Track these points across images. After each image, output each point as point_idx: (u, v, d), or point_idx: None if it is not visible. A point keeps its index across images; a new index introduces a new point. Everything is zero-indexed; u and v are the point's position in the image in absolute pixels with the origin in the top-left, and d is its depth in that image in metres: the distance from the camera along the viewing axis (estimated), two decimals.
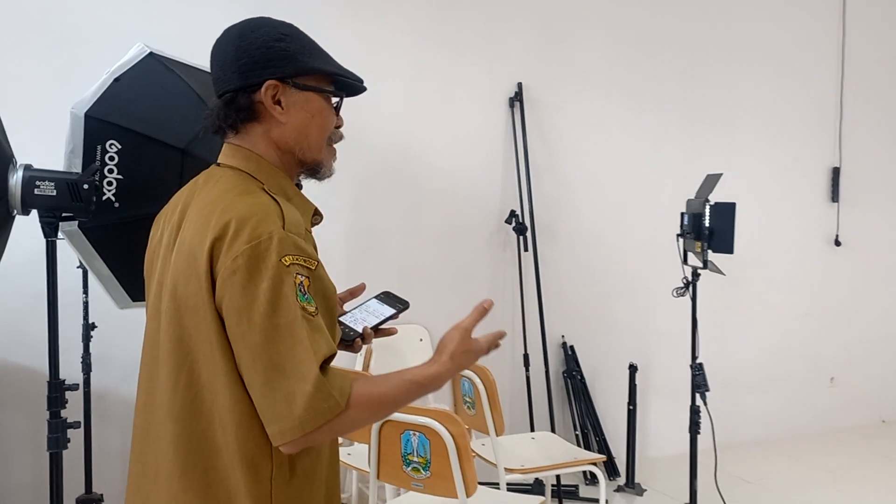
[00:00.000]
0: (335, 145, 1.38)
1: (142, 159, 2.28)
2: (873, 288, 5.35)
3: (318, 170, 1.34)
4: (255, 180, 1.25)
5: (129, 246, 2.22)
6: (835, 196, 5.12)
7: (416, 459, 2.35)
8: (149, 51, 2.32)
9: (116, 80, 2.31)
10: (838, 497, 4.01)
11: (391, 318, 1.40)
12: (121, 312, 2.59)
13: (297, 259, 1.14)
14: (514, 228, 4.05)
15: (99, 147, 2.24)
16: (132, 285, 2.35)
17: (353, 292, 1.53)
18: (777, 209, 4.88)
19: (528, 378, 4.07)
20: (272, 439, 1.12)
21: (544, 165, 4.24)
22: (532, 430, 4.01)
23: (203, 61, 1.81)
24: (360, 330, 1.37)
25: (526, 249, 4.09)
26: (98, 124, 2.23)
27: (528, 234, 4.07)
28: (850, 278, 5.24)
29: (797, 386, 5.10)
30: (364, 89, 1.36)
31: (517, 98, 4.12)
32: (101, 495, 2.98)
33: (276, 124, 1.27)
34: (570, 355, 4.26)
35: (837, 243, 5.14)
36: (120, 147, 2.26)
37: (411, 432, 2.33)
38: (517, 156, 4.13)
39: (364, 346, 1.39)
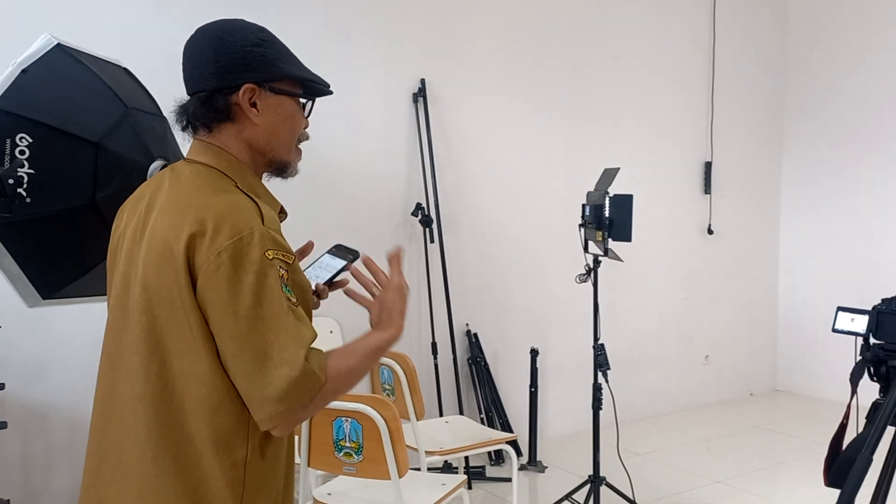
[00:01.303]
0: (301, 146, 1.44)
1: (53, 153, 2.21)
2: (741, 273, 5.86)
3: (285, 169, 1.41)
4: (228, 178, 1.30)
5: (41, 242, 2.16)
6: (707, 188, 5.57)
7: (348, 445, 2.42)
8: (56, 42, 2.26)
9: (24, 71, 2.23)
10: (714, 464, 4.40)
11: (342, 270, 1.47)
12: (21, 313, 2.50)
13: (277, 254, 1.20)
14: (420, 221, 4.17)
15: (8, 141, 2.16)
16: (43, 283, 2.29)
17: (303, 251, 1.57)
18: (656, 200, 5.26)
19: (436, 365, 4.21)
20: (261, 424, 1.18)
21: (447, 159, 4.38)
22: (441, 415, 4.15)
23: (101, 53, 1.82)
24: (313, 287, 1.43)
25: (432, 241, 4.22)
26: (6, 117, 2.15)
27: (434, 226, 4.20)
28: (722, 264, 5.72)
29: (676, 364, 5.52)
30: (331, 92, 1.43)
31: (420, 94, 4.23)
32: (8, 500, 2.85)
33: (250, 125, 1.32)
34: (474, 342, 4.43)
35: (710, 232, 5.60)
36: (31, 141, 2.18)
37: (343, 419, 2.41)
38: (421, 150, 4.25)
39: (320, 302, 1.46)
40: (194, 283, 1.18)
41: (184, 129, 1.36)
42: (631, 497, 3.50)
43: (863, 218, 5.54)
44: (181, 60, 1.35)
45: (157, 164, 1.85)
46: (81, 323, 3.24)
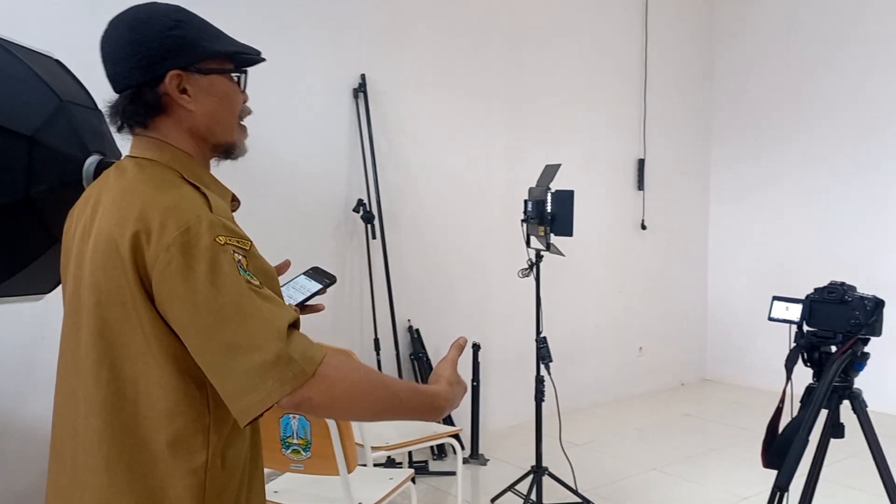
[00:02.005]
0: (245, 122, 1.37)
1: None
2: (672, 267, 6.05)
3: (232, 150, 1.34)
4: (172, 171, 1.23)
5: None
6: (640, 185, 5.73)
7: (295, 442, 2.40)
8: None
9: None
10: (648, 451, 4.54)
11: (318, 293, 1.43)
12: None
13: (230, 239, 1.14)
14: (361, 217, 4.15)
15: None
16: None
17: (279, 270, 1.49)
18: (592, 197, 5.37)
19: (378, 362, 4.20)
20: (238, 418, 1.10)
21: (389, 155, 4.37)
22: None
23: (33, 44, 1.76)
24: None
25: (374, 237, 4.20)
26: None
27: (376, 222, 4.19)
28: (654, 258, 5.89)
29: (612, 356, 5.65)
30: (263, 59, 1.36)
31: (361, 89, 4.21)
32: None
33: (186, 113, 1.25)
34: (416, 338, 4.43)
35: (643, 227, 5.76)
36: None
37: (290, 416, 2.38)
38: (363, 146, 4.23)
39: None
40: (145, 282, 1.13)
41: (119, 129, 1.29)
42: (573, 486, 3.57)
43: (785, 213, 5.79)
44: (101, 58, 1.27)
45: (93, 158, 1.78)
46: (6, 324, 3.10)
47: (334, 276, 1.45)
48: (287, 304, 1.36)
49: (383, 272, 4.24)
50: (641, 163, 5.73)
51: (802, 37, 5.65)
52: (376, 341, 4.19)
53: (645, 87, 5.71)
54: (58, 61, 2.09)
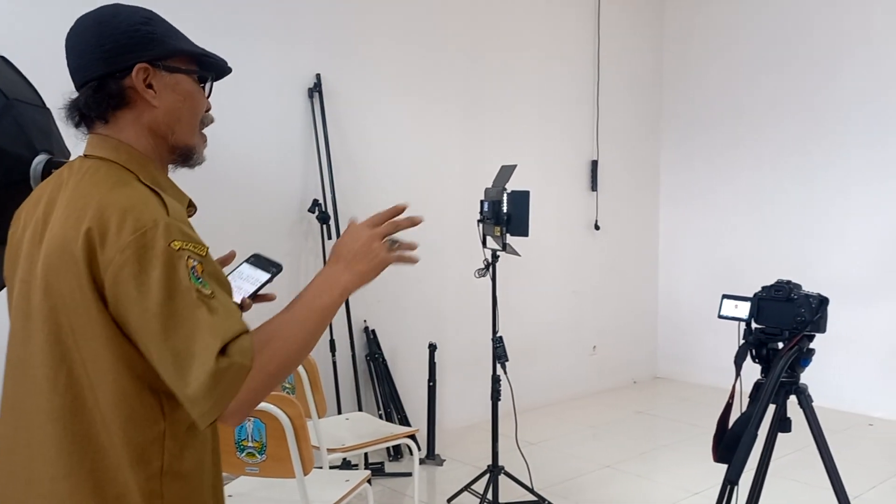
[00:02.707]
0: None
1: None
2: (625, 267, 6.15)
3: (190, 156, 1.32)
4: (128, 171, 1.21)
5: None
6: (594, 186, 5.81)
7: (250, 444, 2.37)
8: None
9: None
10: (601, 449, 4.60)
11: (267, 282, 1.41)
12: None
13: (186, 244, 1.13)
14: (317, 217, 4.12)
15: None
16: None
17: (224, 261, 1.50)
18: (547, 197, 5.42)
19: (334, 363, 4.17)
20: (198, 424, 1.11)
21: (344, 155, 4.34)
22: (340, 412, 4.11)
23: None
24: (238, 301, 1.35)
25: (329, 238, 4.17)
26: None
27: (332, 222, 4.16)
28: (607, 258, 5.97)
29: (566, 355, 5.72)
30: (230, 70, 1.37)
31: (316, 89, 4.18)
32: None
33: (149, 109, 1.24)
34: (372, 339, 4.42)
35: (597, 227, 5.84)
36: None
37: (245, 419, 2.35)
38: (318, 146, 4.20)
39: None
40: (98, 284, 1.11)
41: (77, 125, 1.26)
42: (529, 485, 3.60)
43: (733, 214, 5.94)
44: (65, 52, 1.26)
45: (41, 157, 1.73)
46: None
47: (279, 264, 1.42)
48: (239, 296, 1.36)
49: None
50: (595, 164, 5.81)
51: (750, 44, 5.80)
52: (332, 342, 4.16)
53: (598, 91, 5.79)
54: (3, 58, 2.03)
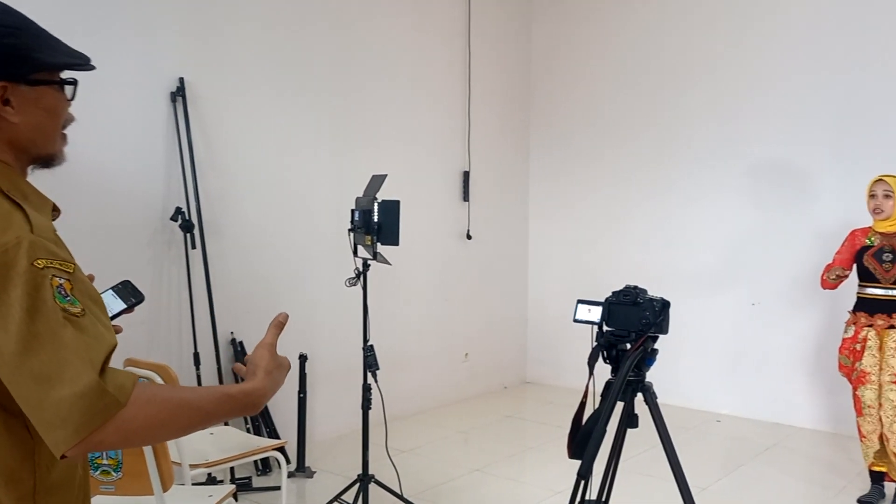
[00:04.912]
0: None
1: None
2: (496, 275, 6.32)
3: (52, 161, 1.28)
4: None
5: None
6: (466, 196, 5.94)
7: (105, 462, 2.27)
8: None
9: None
10: (471, 453, 4.71)
11: (123, 312, 1.37)
12: None
13: (51, 262, 1.08)
14: (180, 226, 3.98)
15: None
16: None
17: None
18: (419, 207, 5.49)
19: (198, 376, 4.04)
20: (53, 450, 1.05)
21: (209, 162, 4.23)
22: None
23: None
24: None
25: (193, 247, 4.04)
26: None
27: (196, 231, 4.03)
28: (479, 267, 6.12)
29: (437, 362, 5.80)
30: (93, 67, 1.32)
31: (179, 93, 4.05)
32: None
33: (7, 125, 1.18)
34: (239, 351, 4.31)
35: (468, 237, 5.97)
36: None
37: None
38: (181, 152, 4.06)
39: None
40: None
41: None
42: (398, 492, 3.63)
43: (594, 223, 6.24)
44: None
45: None
46: None
47: (142, 295, 1.38)
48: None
49: (204, 283, 4.09)
50: (466, 175, 5.95)
51: (611, 62, 6.13)
52: (196, 356, 4.03)
53: (469, 104, 5.94)
54: None
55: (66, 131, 1.31)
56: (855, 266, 3.88)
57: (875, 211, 3.76)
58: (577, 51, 6.33)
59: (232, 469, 3.87)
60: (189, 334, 4.06)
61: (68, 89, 1.28)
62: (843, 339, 3.90)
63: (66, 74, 1.28)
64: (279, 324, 1.31)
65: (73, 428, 1.03)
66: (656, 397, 2.29)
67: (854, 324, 3.85)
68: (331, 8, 4.90)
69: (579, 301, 2.41)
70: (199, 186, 4.08)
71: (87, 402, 1.03)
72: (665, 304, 2.25)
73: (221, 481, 3.73)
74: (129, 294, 1.39)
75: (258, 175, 4.49)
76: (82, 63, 1.28)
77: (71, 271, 1.12)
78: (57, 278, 1.08)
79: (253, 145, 4.46)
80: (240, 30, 4.38)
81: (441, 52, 5.74)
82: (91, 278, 1.48)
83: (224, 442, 3.29)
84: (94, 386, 1.04)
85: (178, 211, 3.98)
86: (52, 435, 1.04)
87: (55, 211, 1.29)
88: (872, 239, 3.81)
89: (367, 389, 3.47)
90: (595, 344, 2.31)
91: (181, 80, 4.06)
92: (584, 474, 2.04)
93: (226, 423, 3.94)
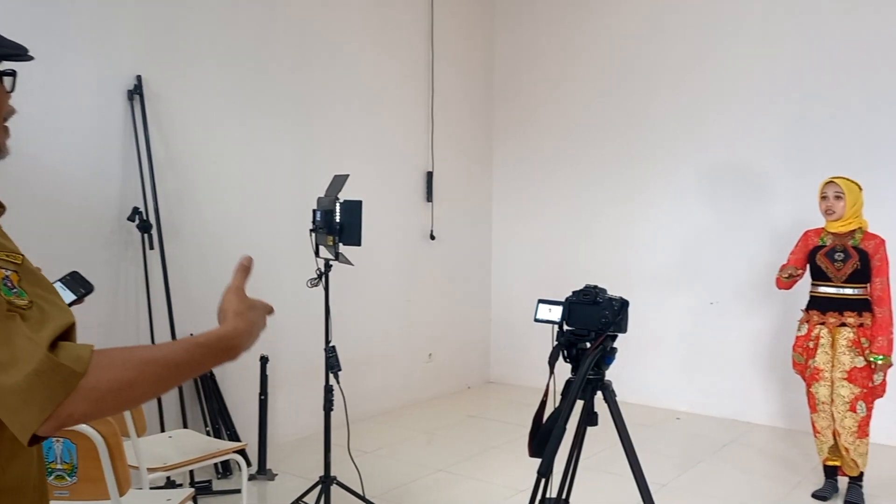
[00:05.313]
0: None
1: None
2: (459, 275, 6.33)
3: None
4: None
5: None
6: (429, 196, 5.94)
7: (59, 467, 2.22)
8: None
9: None
10: (435, 454, 4.71)
11: (73, 304, 1.35)
12: None
13: None
14: (137, 226, 3.92)
15: None
16: None
17: None
18: (383, 208, 5.48)
19: None
20: (22, 436, 1.03)
21: (168, 161, 4.17)
22: (163, 430, 3.93)
23: None
24: None
25: (151, 248, 3.98)
26: None
27: (154, 231, 3.97)
28: (442, 267, 6.13)
29: (401, 363, 5.79)
30: (31, 58, 1.30)
31: (137, 91, 3.98)
32: None
33: None
34: None
35: (432, 237, 5.98)
36: None
37: (53, 439, 2.20)
38: (139, 151, 4.00)
39: None
40: None
41: None
42: (361, 493, 3.61)
43: (557, 225, 6.30)
44: None
45: None
46: None
47: (91, 285, 1.36)
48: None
49: (162, 284, 4.03)
50: (430, 175, 5.95)
51: (574, 66, 6.19)
52: None
53: (432, 105, 5.95)
54: None
55: (7, 124, 1.28)
56: (808, 265, 3.97)
57: (827, 212, 3.86)
58: (540, 54, 6.38)
59: (191, 472, 3.82)
60: (147, 336, 3.99)
61: (7, 81, 1.25)
62: (797, 337, 3.99)
63: (6, 66, 1.25)
64: (244, 267, 1.27)
65: (38, 406, 1.01)
66: (615, 395, 2.32)
67: (807, 322, 3.94)
68: (293, 8, 4.87)
69: (540, 301, 2.43)
70: (157, 186, 4.02)
71: (45, 378, 1.01)
72: (624, 304, 2.28)
73: (181, 485, 3.68)
74: (79, 285, 1.37)
75: (219, 175, 4.44)
76: (19, 53, 1.25)
77: (19, 262, 1.10)
78: (3, 270, 1.06)
79: (213, 145, 4.41)
80: (200, 28, 4.32)
81: (404, 53, 5.73)
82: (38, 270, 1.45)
83: (183, 444, 3.25)
84: (47, 361, 1.01)
85: (136, 211, 3.92)
86: (18, 419, 1.02)
87: (0, 207, 1.26)
88: (825, 239, 3.91)
89: (328, 391, 3.45)
90: (555, 343, 2.33)
91: (139, 77, 3.99)
92: (544, 472, 2.05)
93: (185, 426, 3.90)
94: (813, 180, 4.35)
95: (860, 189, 3.86)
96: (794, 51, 5.20)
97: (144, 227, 3.91)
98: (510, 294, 6.56)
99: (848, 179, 3.85)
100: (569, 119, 6.21)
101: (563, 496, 2.47)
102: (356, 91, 5.32)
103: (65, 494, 2.22)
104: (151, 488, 2.89)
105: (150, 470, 2.88)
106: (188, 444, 3.26)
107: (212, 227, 4.40)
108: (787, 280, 4.00)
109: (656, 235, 5.80)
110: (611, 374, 2.41)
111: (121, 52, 3.94)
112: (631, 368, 4.30)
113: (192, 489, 2.76)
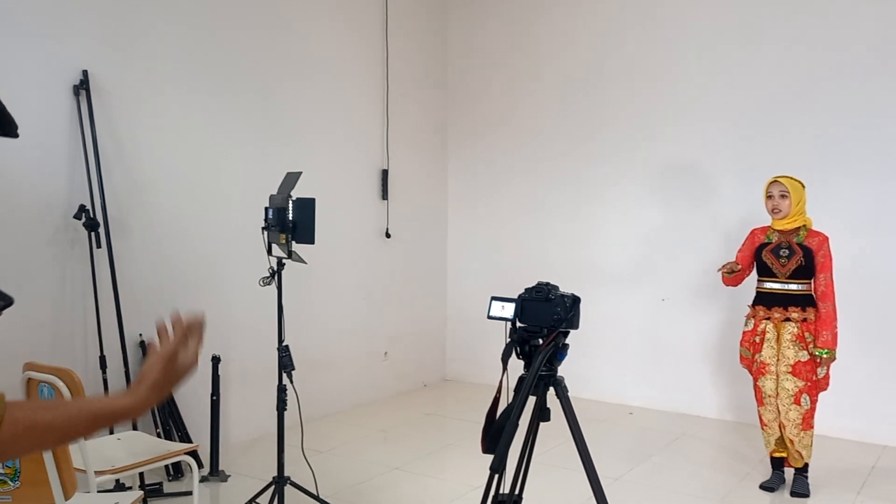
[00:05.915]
0: None
1: None
2: (415, 273, 6.33)
3: None
4: None
5: None
6: (385, 194, 5.93)
7: (1, 471, 2.15)
8: None
9: None
10: (391, 452, 4.70)
11: None
12: None
13: None
14: (84, 224, 3.82)
15: None
16: None
17: None
18: (338, 206, 5.45)
19: (105, 380, 3.89)
20: None
21: (117, 158, 4.08)
22: (111, 432, 3.84)
23: None
24: None
25: (98, 246, 3.89)
26: None
27: (101, 229, 3.88)
28: (398, 266, 6.11)
29: (357, 362, 5.76)
30: None
31: (83, 86, 3.89)
32: None
33: None
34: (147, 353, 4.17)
35: (388, 235, 5.96)
36: None
37: None
38: (85, 148, 3.90)
39: None
40: None
41: None
42: (315, 493, 3.59)
43: (510, 219, 6.34)
44: None
45: None
46: None
47: (10, 297, 1.30)
48: None
49: (110, 283, 3.94)
50: (385, 173, 5.93)
51: (526, 63, 6.23)
52: (102, 359, 3.88)
53: (387, 102, 5.93)
54: None
55: None
56: (755, 262, 4.07)
57: (773, 211, 3.95)
58: (493, 50, 6.40)
59: (141, 475, 3.75)
60: (94, 337, 3.90)
61: None
62: (744, 332, 4.09)
63: None
64: (191, 328, 1.21)
65: None
66: (568, 391, 2.35)
67: (753, 317, 4.04)
68: (248, 4, 4.80)
69: (493, 298, 2.44)
70: (104, 183, 3.93)
71: None
72: (576, 300, 2.31)
73: (130, 488, 3.61)
74: None
75: (170, 172, 4.36)
76: None
77: None
78: None
79: (164, 141, 4.32)
80: (151, 22, 4.23)
81: (358, 50, 5.70)
82: None
83: (132, 446, 3.19)
84: None
85: (83, 209, 3.82)
86: None
87: None
88: (771, 236, 4.01)
89: (282, 390, 3.41)
90: (508, 340, 2.34)
91: (84, 72, 3.90)
92: (496, 468, 2.07)
93: (134, 428, 3.82)
94: (759, 179, 4.46)
95: (803, 187, 3.97)
96: (740, 52, 5.32)
97: (91, 225, 3.82)
98: (465, 291, 6.58)
99: (792, 178, 3.96)
100: (522, 114, 6.25)
101: (517, 492, 2.49)
102: (311, 89, 5.27)
103: (7, 500, 2.16)
104: (99, 491, 2.83)
105: (98, 473, 2.82)
106: (138, 446, 3.20)
107: (163, 225, 4.31)
108: (728, 276, 4.08)
109: (609, 234, 5.88)
110: (563, 370, 2.44)
111: (66, 46, 3.84)
112: (584, 364, 4.34)
113: (142, 492, 2.71)
